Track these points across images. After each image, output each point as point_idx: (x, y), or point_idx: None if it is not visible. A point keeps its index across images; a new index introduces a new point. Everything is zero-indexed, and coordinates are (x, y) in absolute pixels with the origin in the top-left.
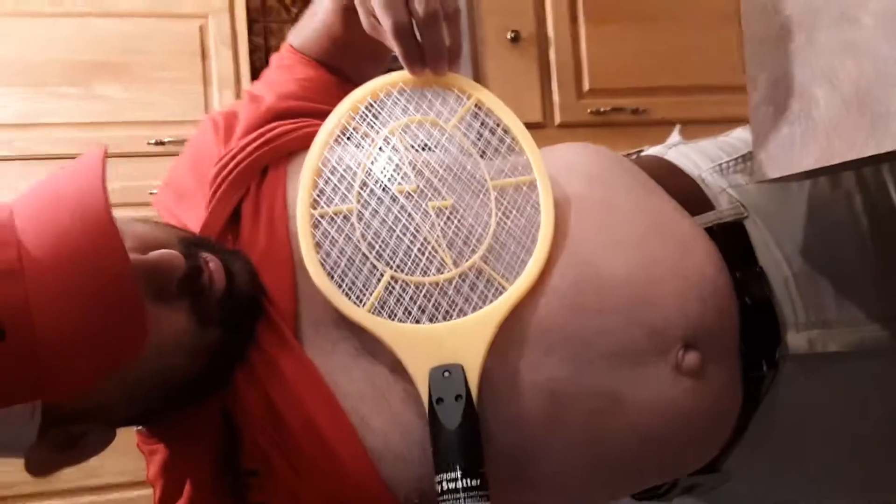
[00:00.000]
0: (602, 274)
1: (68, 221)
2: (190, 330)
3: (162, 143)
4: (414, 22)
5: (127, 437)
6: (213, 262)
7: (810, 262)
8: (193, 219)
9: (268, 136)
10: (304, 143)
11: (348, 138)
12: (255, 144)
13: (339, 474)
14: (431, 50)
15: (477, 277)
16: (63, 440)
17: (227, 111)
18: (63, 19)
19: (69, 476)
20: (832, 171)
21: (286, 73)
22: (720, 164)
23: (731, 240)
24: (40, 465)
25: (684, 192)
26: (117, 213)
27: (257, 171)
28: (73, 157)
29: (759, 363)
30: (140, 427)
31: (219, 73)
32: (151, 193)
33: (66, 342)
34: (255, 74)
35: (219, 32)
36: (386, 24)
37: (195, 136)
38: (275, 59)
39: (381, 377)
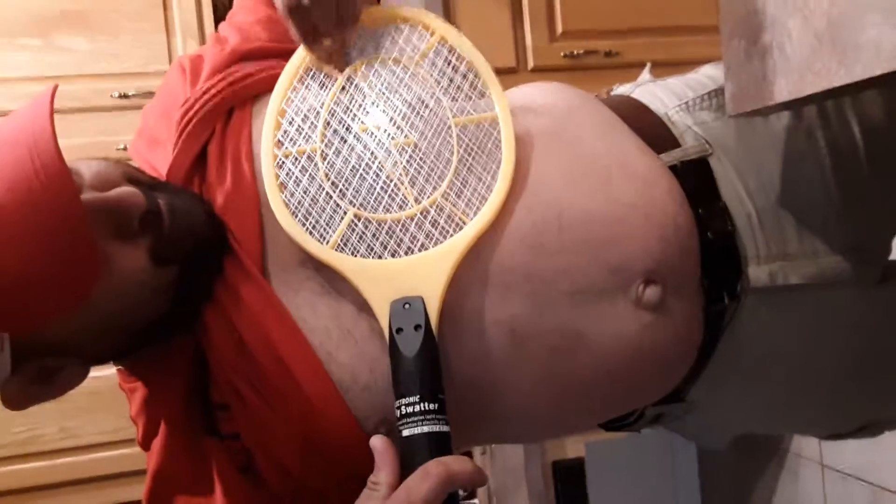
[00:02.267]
0: (564, 212)
1: (19, 161)
2: (149, 269)
3: (127, 97)
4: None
5: (105, 397)
6: (162, 203)
7: (773, 197)
8: (164, 163)
9: (232, 77)
10: (268, 85)
11: (311, 78)
12: (219, 86)
13: (307, 405)
14: (324, 27)
15: (438, 214)
16: (38, 374)
17: (194, 55)
18: None
19: (49, 438)
20: (802, 104)
21: (249, 13)
22: (686, 102)
23: (695, 176)
24: (16, 399)
25: (650, 129)
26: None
27: (222, 113)
28: None
29: (721, 296)
30: (119, 366)
31: (182, 23)
32: (118, 149)
33: (23, 276)
34: (219, 23)
35: None
36: (278, 4)
37: (164, 82)
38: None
39: (347, 315)
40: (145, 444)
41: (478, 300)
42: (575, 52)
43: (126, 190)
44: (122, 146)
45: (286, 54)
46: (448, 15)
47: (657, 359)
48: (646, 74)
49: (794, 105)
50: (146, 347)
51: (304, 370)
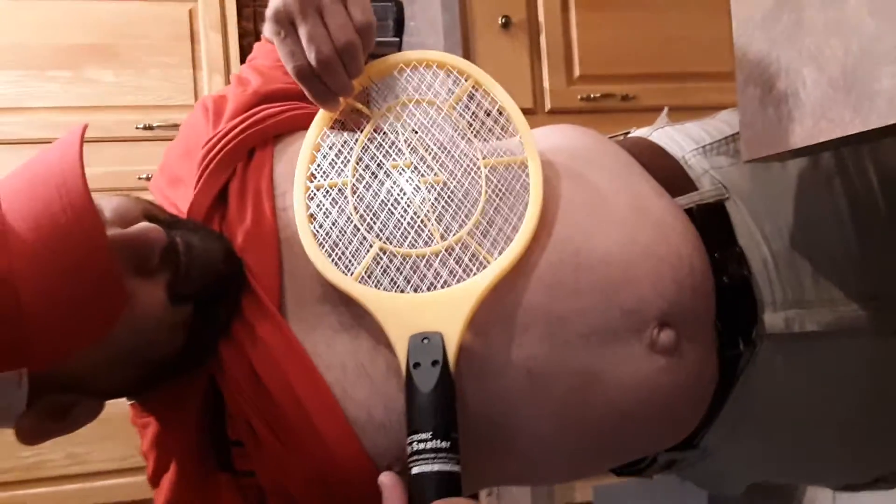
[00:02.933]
0: (581, 254)
1: (48, 197)
2: (167, 305)
3: (150, 128)
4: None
5: (114, 424)
6: (178, 239)
7: (789, 243)
8: (185, 202)
9: (254, 118)
10: (290, 126)
11: (348, 117)
12: (241, 126)
13: (321, 444)
14: (335, 89)
15: (463, 251)
16: (53, 409)
17: (217, 95)
18: (53, 2)
19: (56, 463)
20: (817, 151)
21: (269, 56)
22: (703, 146)
23: (711, 220)
24: (30, 434)
25: (667, 172)
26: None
27: (244, 153)
28: None
29: (736, 342)
30: (132, 401)
31: (208, 58)
32: (140, 178)
33: (49, 310)
34: (245, 58)
35: (208, 16)
36: (289, 70)
37: (187, 121)
38: (259, 43)
39: (364, 351)
40: (155, 480)
41: (495, 339)
42: (592, 96)
43: (147, 226)
44: (143, 176)
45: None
46: (468, 55)
47: (671, 403)
48: (663, 118)
49: (809, 152)
50: (161, 383)
51: (319, 408)
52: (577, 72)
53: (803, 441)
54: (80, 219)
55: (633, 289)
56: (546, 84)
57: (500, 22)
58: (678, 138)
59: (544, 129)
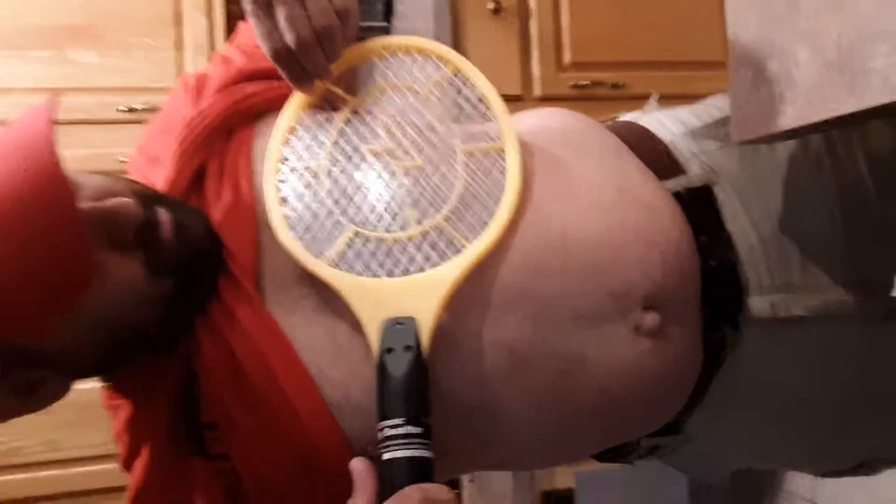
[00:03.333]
0: (567, 236)
1: (17, 165)
2: (142, 279)
3: (133, 110)
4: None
5: (91, 410)
6: (163, 215)
7: (777, 228)
8: (162, 180)
9: (235, 96)
10: (271, 105)
11: (326, 101)
12: (221, 105)
13: (298, 425)
14: (312, 71)
15: (438, 237)
16: (20, 385)
17: (199, 74)
18: None
19: (32, 450)
20: (809, 132)
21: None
22: (692, 130)
23: (698, 204)
24: None
25: (655, 156)
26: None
27: (224, 131)
28: None
29: (722, 325)
30: (105, 383)
31: (193, 40)
32: (120, 161)
33: (14, 281)
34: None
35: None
36: (266, 51)
37: (169, 100)
38: (244, 23)
39: (342, 333)
40: (127, 464)
41: (476, 321)
42: (582, 83)
43: (122, 200)
44: (124, 158)
45: None
46: (456, 42)
47: (656, 386)
48: (653, 104)
49: (800, 133)
50: (134, 362)
51: (295, 387)
52: (567, 59)
53: (787, 426)
54: (50, 188)
55: (621, 272)
56: (536, 71)
57: (490, 7)
58: (667, 122)
59: (532, 112)
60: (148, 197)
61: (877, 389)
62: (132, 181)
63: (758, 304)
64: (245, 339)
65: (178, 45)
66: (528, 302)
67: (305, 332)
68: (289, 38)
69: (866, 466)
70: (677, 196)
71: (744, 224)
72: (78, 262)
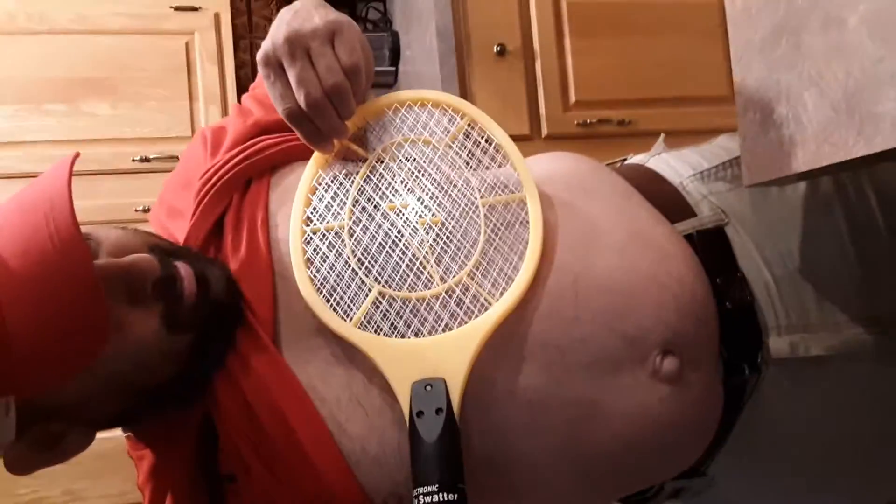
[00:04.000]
0: (580, 282)
1: (36, 224)
2: (160, 334)
3: (147, 160)
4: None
5: (112, 460)
6: (183, 269)
7: (791, 267)
8: (182, 233)
9: (251, 149)
10: (286, 157)
11: (343, 157)
12: (238, 157)
13: (316, 479)
14: (327, 131)
15: (463, 293)
16: (43, 439)
17: (217, 126)
18: (49, 36)
19: (54, 500)
20: (819, 175)
21: None
22: (701, 172)
23: (711, 246)
24: (20, 464)
25: (665, 199)
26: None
27: (240, 184)
28: None
29: (741, 368)
30: (127, 433)
31: (205, 89)
32: (137, 210)
33: (34, 337)
34: (242, 90)
35: (205, 49)
36: (280, 113)
37: (186, 152)
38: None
39: (359, 384)
40: None
41: (493, 372)
42: (588, 121)
43: (140, 256)
44: (140, 208)
45: None
46: (462, 84)
47: (676, 432)
48: (660, 145)
49: (811, 176)
50: (154, 414)
51: (313, 442)
52: (573, 98)
53: (811, 469)
54: (66, 246)
55: (635, 316)
56: (542, 110)
57: (495, 50)
58: (675, 164)
59: (541, 156)
60: (167, 251)
61: None
62: (151, 234)
63: (776, 344)
64: (261, 390)
65: (191, 95)
66: (544, 350)
67: (322, 383)
68: (301, 99)
69: None
70: (689, 238)
71: (758, 264)
72: (95, 320)
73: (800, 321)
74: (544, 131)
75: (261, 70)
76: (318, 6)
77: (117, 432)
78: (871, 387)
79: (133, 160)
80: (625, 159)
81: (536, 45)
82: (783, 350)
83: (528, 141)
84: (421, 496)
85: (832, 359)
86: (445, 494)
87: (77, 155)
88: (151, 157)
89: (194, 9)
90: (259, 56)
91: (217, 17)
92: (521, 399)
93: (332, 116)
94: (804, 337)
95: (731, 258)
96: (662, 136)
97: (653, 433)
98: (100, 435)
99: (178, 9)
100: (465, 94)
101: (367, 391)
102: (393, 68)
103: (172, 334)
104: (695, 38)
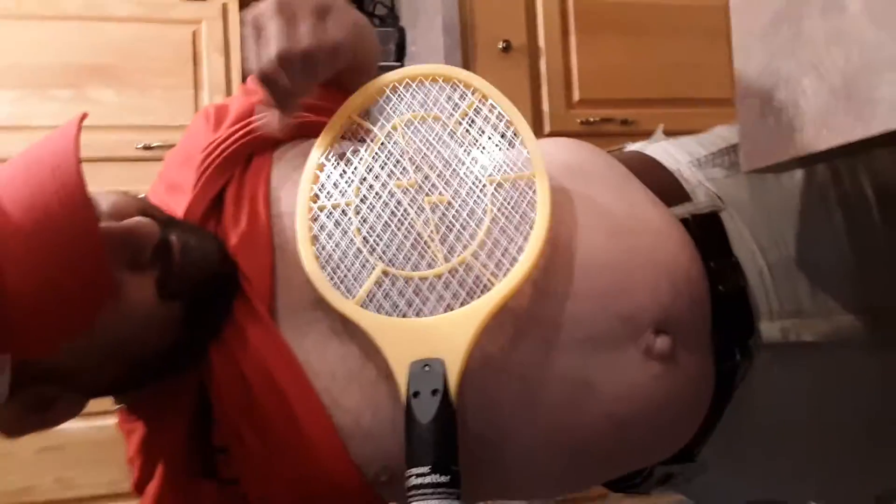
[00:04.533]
0: (576, 260)
1: (42, 181)
2: (154, 301)
3: (151, 148)
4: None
5: (104, 448)
6: (173, 238)
7: (785, 254)
8: (182, 208)
9: (251, 125)
10: (289, 132)
11: (353, 134)
12: (241, 132)
13: (308, 451)
14: (290, 89)
15: (466, 273)
16: (35, 401)
17: (220, 105)
18: (57, 22)
19: (45, 488)
20: (817, 160)
21: None
22: (698, 158)
23: (706, 230)
24: (11, 424)
25: (662, 184)
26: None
27: (242, 158)
28: None
29: (733, 352)
30: (119, 404)
31: (210, 80)
32: (139, 198)
33: (34, 295)
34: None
35: (211, 39)
36: (254, 73)
37: (189, 129)
38: None
39: (354, 358)
40: (140, 487)
41: (487, 347)
42: (591, 120)
43: (141, 220)
44: (143, 195)
45: (311, 108)
46: None
47: (667, 412)
48: (659, 134)
49: (810, 161)
50: (148, 383)
51: (307, 415)
52: (576, 96)
53: (802, 457)
54: (73, 204)
55: (630, 295)
56: (546, 108)
57: (500, 46)
58: (673, 151)
59: (542, 141)
60: (161, 220)
61: (891, 416)
62: (147, 202)
63: (768, 329)
64: (256, 362)
65: (196, 85)
66: (538, 325)
67: (317, 357)
68: (271, 51)
69: (886, 498)
70: (685, 223)
71: (752, 250)
72: (97, 280)
73: (792, 307)
74: (547, 128)
75: (248, 29)
76: None
77: (109, 421)
78: (861, 374)
79: (136, 147)
80: (623, 147)
81: (542, 42)
82: (775, 335)
83: None
84: (414, 476)
85: (823, 345)
86: (438, 476)
87: (84, 115)
88: (154, 145)
89: None
90: (248, 16)
91: (225, 7)
92: (513, 374)
93: (298, 75)
94: (796, 322)
95: (726, 243)
96: (661, 125)
97: (644, 411)
98: (92, 423)
99: None
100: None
101: (363, 365)
102: (399, 64)
103: (164, 302)
104: (700, 40)
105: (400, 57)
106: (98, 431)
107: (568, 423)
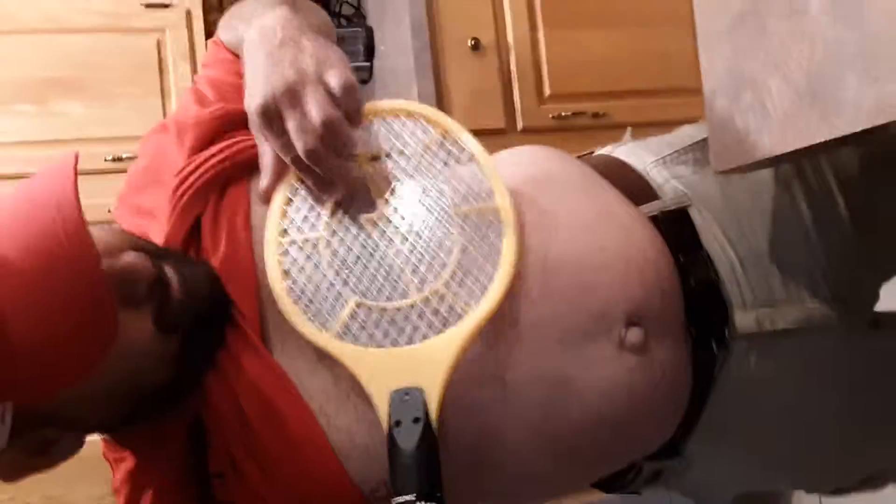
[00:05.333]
0: (548, 261)
1: (44, 225)
2: (154, 336)
3: (120, 160)
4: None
5: (91, 464)
6: (169, 270)
7: (755, 247)
8: (156, 230)
9: (227, 151)
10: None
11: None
12: (216, 159)
13: (306, 473)
14: (329, 176)
15: (439, 303)
16: (34, 445)
17: (176, 117)
18: (17, 36)
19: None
20: (787, 160)
21: (229, 70)
22: (664, 157)
23: (675, 226)
24: (9, 470)
25: (630, 184)
26: None
27: (217, 186)
28: (29, 176)
29: (709, 343)
30: (105, 436)
31: (177, 87)
32: (110, 211)
33: (38, 343)
34: None
35: (177, 46)
36: (290, 164)
37: (149, 146)
38: (212, 51)
39: (346, 378)
40: None
41: (466, 353)
42: (563, 114)
43: (135, 257)
44: (114, 208)
45: None
46: (438, 78)
47: (646, 404)
48: (627, 136)
49: (779, 161)
50: (149, 418)
51: (304, 438)
52: (547, 91)
53: (785, 445)
54: (77, 249)
55: (601, 291)
56: (518, 104)
57: (469, 44)
58: (639, 152)
59: (509, 151)
60: (151, 252)
61: (869, 400)
62: (132, 235)
63: (742, 319)
64: (251, 387)
65: (163, 93)
66: (514, 326)
67: (310, 378)
68: (300, 150)
69: (871, 481)
70: (654, 220)
71: (721, 243)
72: (102, 325)
73: (765, 297)
74: (520, 125)
75: (259, 122)
76: (301, 32)
77: (97, 437)
78: (839, 360)
79: (105, 160)
80: (592, 152)
81: (510, 39)
82: (750, 325)
83: (503, 135)
84: None
85: (798, 332)
86: (423, 503)
87: (78, 154)
88: (124, 156)
89: (165, 6)
90: (255, 106)
91: (189, 13)
92: (493, 377)
93: (331, 159)
94: (770, 311)
95: (695, 237)
96: (629, 129)
97: (623, 404)
98: None
99: (148, 6)
100: (440, 88)
101: (354, 384)
102: (368, 63)
103: (164, 336)
104: (668, 30)
105: (369, 57)
106: (85, 448)
107: (551, 420)
